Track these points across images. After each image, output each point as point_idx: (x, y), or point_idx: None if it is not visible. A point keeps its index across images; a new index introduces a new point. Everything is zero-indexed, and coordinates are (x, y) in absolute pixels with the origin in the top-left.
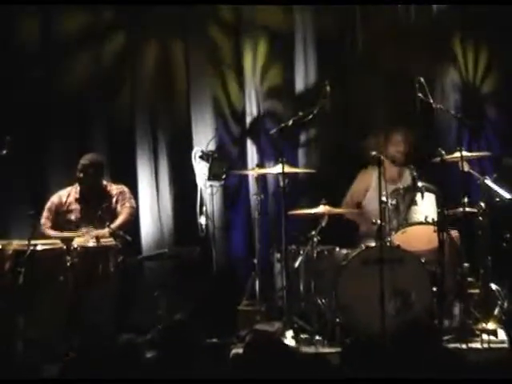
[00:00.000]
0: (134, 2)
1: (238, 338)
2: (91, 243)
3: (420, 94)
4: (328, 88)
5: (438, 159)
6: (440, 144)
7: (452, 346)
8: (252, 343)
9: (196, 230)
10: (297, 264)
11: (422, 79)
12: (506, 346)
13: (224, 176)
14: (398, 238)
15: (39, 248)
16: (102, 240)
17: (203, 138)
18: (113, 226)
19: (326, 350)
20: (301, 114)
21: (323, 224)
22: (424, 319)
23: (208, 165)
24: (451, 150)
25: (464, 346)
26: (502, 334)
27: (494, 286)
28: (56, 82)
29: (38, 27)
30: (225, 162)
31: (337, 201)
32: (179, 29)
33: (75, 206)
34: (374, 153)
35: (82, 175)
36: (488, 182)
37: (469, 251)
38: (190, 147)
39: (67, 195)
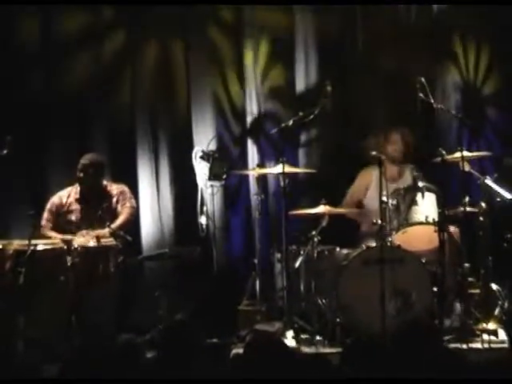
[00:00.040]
0: (133, 1)
1: (239, 338)
2: (92, 243)
3: (421, 94)
4: (329, 88)
5: (439, 159)
6: (441, 144)
7: (452, 346)
8: (252, 343)
9: (196, 230)
10: (297, 264)
11: (422, 79)
12: (506, 346)
13: (224, 176)
14: (399, 238)
15: (40, 248)
16: (102, 240)
17: (204, 138)
18: (113, 226)
19: (327, 350)
20: (301, 114)
21: (324, 224)
22: (424, 319)
23: (208, 165)
24: (452, 149)
25: (464, 346)
26: (502, 334)
27: (494, 286)
28: (56, 81)
29: (38, 27)
30: (225, 162)
31: (337, 201)
32: (179, 29)
33: (75, 207)
34: (374, 153)
35: (82, 175)
36: (489, 182)
37: (469, 251)
38: (191, 147)
39: (67, 196)
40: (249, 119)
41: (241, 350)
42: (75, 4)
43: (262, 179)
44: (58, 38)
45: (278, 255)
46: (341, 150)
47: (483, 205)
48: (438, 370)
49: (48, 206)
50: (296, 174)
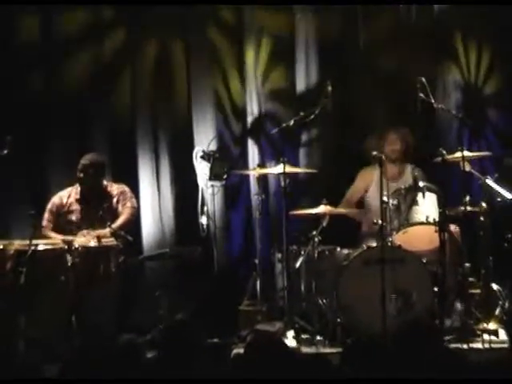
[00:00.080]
0: (133, 1)
1: (239, 338)
2: (92, 243)
3: (421, 94)
4: (329, 88)
5: (440, 159)
6: (441, 144)
7: (453, 346)
8: (253, 343)
9: (197, 230)
10: (298, 264)
11: (423, 79)
12: (506, 346)
13: (225, 176)
14: (400, 238)
15: (40, 248)
16: (103, 240)
17: (204, 138)
18: (114, 226)
19: (327, 350)
20: (302, 114)
21: (324, 224)
22: (425, 319)
23: (209, 165)
24: (452, 149)
25: (465, 346)
26: (502, 334)
27: (495, 286)
28: (56, 81)
29: (38, 27)
30: (226, 162)
31: (338, 201)
32: (179, 29)
33: (76, 207)
34: (375, 153)
35: (82, 175)
36: (489, 182)
37: (470, 251)
38: (192, 147)
39: (68, 196)
40: (249, 119)
41: (241, 350)
42: (75, 4)
43: (263, 179)
44: (58, 37)
45: (279, 255)
46: (341, 149)
47: (484, 205)
48: (439, 370)
49: (48, 206)
50: (296, 173)
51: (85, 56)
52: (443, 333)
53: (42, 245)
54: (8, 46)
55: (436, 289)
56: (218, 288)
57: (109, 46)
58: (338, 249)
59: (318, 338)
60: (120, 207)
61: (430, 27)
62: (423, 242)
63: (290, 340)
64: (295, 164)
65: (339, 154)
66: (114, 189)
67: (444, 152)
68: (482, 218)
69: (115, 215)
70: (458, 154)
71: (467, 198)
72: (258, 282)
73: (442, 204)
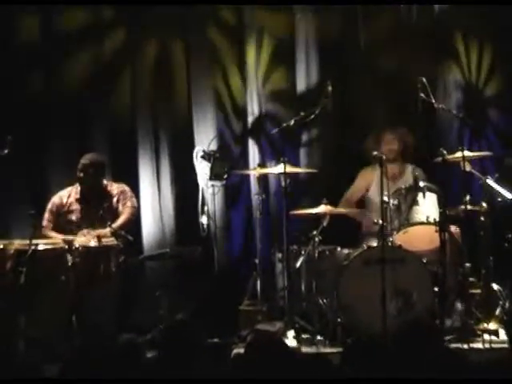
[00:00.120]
0: (133, 1)
1: (240, 337)
2: (93, 243)
3: (422, 94)
4: (330, 88)
5: (440, 159)
6: (442, 144)
7: (453, 346)
8: (253, 343)
9: (197, 230)
10: (298, 264)
11: (423, 79)
12: (507, 346)
13: (225, 176)
14: (400, 238)
15: (40, 248)
16: (103, 240)
17: (205, 138)
18: (114, 225)
19: (328, 350)
20: (302, 113)
21: (325, 224)
22: (425, 319)
23: (210, 164)
24: (453, 149)
25: (465, 346)
26: (503, 334)
27: (495, 286)
28: (56, 81)
29: (38, 27)
30: (226, 162)
31: (338, 201)
32: (179, 29)
33: (76, 207)
34: (375, 153)
35: (82, 175)
36: (490, 182)
37: (470, 251)
38: (192, 147)
39: (68, 196)
40: (250, 119)
41: (242, 350)
42: (75, 4)
43: (263, 179)
44: (58, 38)
45: (279, 255)
46: (342, 149)
47: (484, 205)
48: (439, 370)
49: (49, 206)
50: (297, 173)
51: (85, 56)
52: (443, 333)
53: (42, 244)
54: (8, 45)
55: (436, 289)
56: (218, 288)
57: (109, 45)
58: (339, 249)
59: (319, 337)
60: (120, 207)
61: (430, 27)
62: (423, 241)
63: (291, 340)
64: (295, 164)
65: (339, 153)
66: (114, 188)
67: (444, 152)
68: (482, 218)
69: (115, 215)
70: (459, 154)
71: (467, 198)
72: (259, 282)
73: (442, 204)
